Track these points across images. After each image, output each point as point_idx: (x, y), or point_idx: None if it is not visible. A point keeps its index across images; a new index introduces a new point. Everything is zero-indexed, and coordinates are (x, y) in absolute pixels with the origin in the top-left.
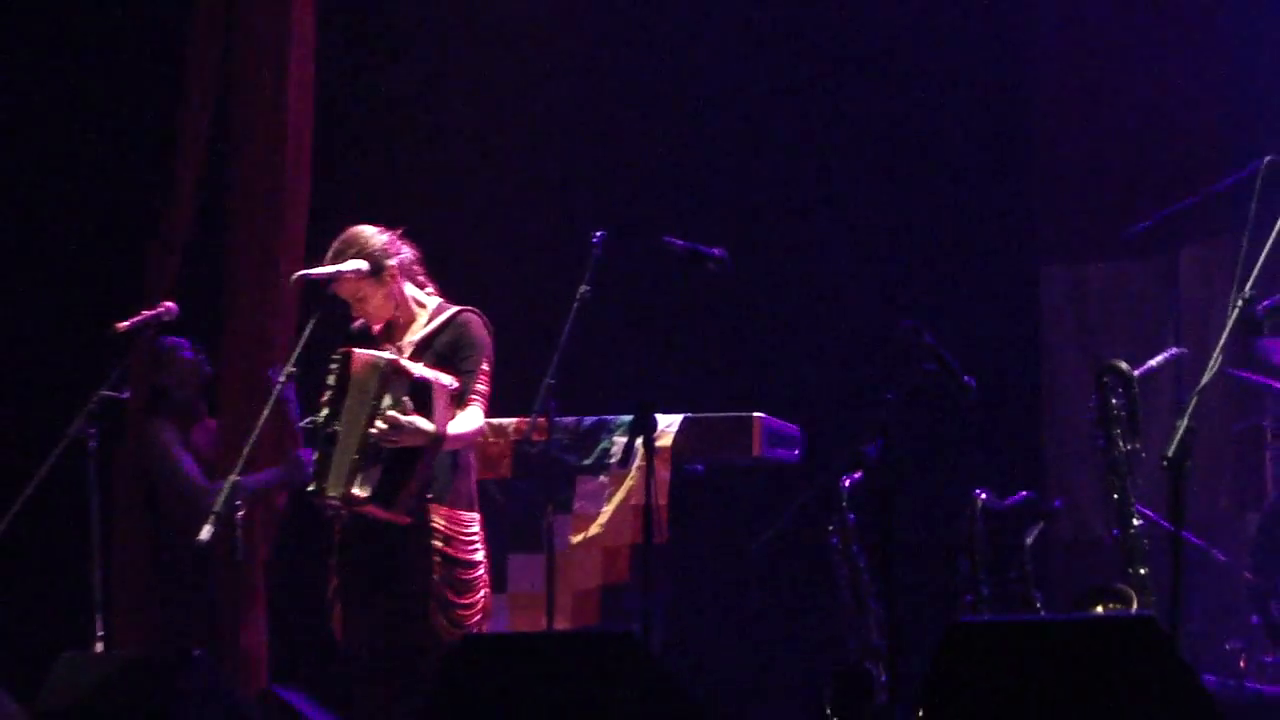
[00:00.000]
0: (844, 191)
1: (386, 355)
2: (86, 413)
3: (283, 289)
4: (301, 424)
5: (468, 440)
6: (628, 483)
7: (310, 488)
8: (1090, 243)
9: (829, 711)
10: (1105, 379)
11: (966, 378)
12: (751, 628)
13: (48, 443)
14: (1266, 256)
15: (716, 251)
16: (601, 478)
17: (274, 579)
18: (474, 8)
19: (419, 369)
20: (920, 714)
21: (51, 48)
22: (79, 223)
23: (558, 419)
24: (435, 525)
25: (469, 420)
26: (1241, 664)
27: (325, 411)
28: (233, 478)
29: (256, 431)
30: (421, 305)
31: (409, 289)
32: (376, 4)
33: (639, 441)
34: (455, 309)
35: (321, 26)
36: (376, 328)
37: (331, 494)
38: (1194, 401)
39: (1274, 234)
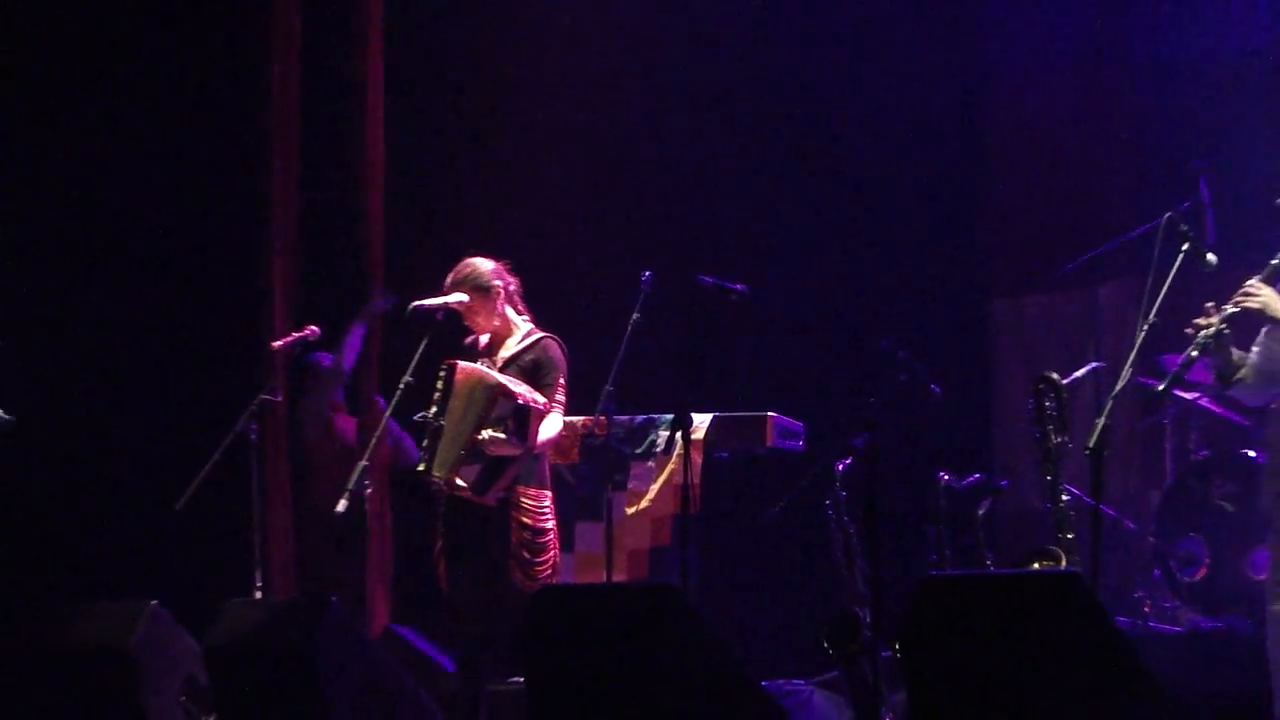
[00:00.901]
0: (832, 237)
1: (495, 376)
2: (249, 413)
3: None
4: (415, 417)
5: (551, 443)
6: (670, 466)
7: (420, 467)
8: (1029, 280)
9: (825, 645)
10: (1040, 386)
11: (933, 385)
12: (764, 579)
13: (219, 435)
14: (1166, 292)
15: (738, 286)
16: (649, 463)
17: (393, 541)
18: (528, 64)
19: (521, 388)
20: (896, 647)
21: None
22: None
23: (615, 417)
24: (517, 501)
25: (551, 426)
26: (1146, 609)
27: (434, 409)
28: (362, 463)
29: (380, 429)
30: (517, 327)
31: (509, 311)
32: (439, 49)
33: (678, 435)
34: (540, 334)
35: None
36: (482, 341)
37: (436, 475)
38: (1110, 404)
39: (1171, 274)
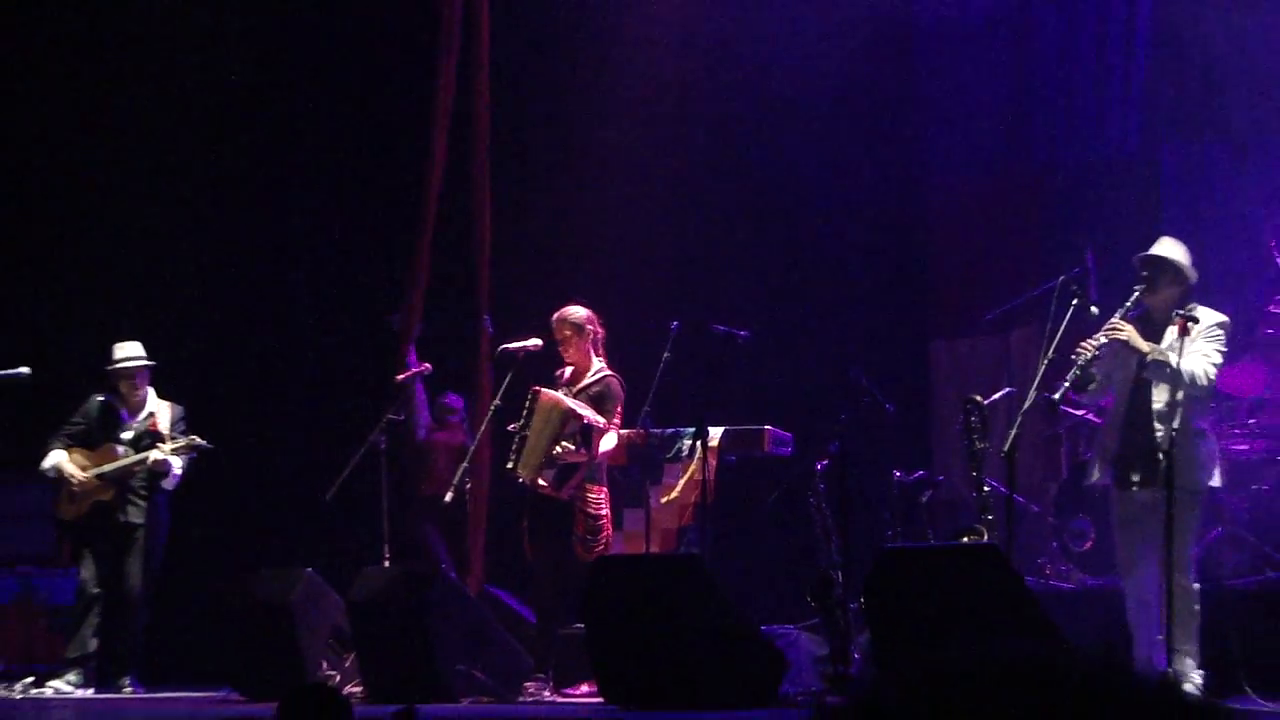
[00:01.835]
0: (814, 294)
1: (568, 402)
2: (379, 427)
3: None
4: (509, 427)
5: (609, 455)
6: (692, 467)
7: (509, 465)
8: (961, 325)
9: (809, 600)
10: (967, 405)
11: (888, 405)
12: (763, 551)
13: (358, 444)
14: (1060, 335)
15: (743, 332)
16: (678, 464)
17: (487, 523)
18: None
19: (587, 412)
20: (862, 600)
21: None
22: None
23: (651, 430)
24: (583, 495)
25: (609, 440)
26: (1047, 571)
27: (522, 423)
28: (464, 464)
29: (479, 433)
30: (594, 365)
31: (592, 351)
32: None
33: (698, 443)
34: (607, 372)
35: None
36: (567, 373)
37: (522, 474)
38: (1020, 419)
39: (1064, 322)
